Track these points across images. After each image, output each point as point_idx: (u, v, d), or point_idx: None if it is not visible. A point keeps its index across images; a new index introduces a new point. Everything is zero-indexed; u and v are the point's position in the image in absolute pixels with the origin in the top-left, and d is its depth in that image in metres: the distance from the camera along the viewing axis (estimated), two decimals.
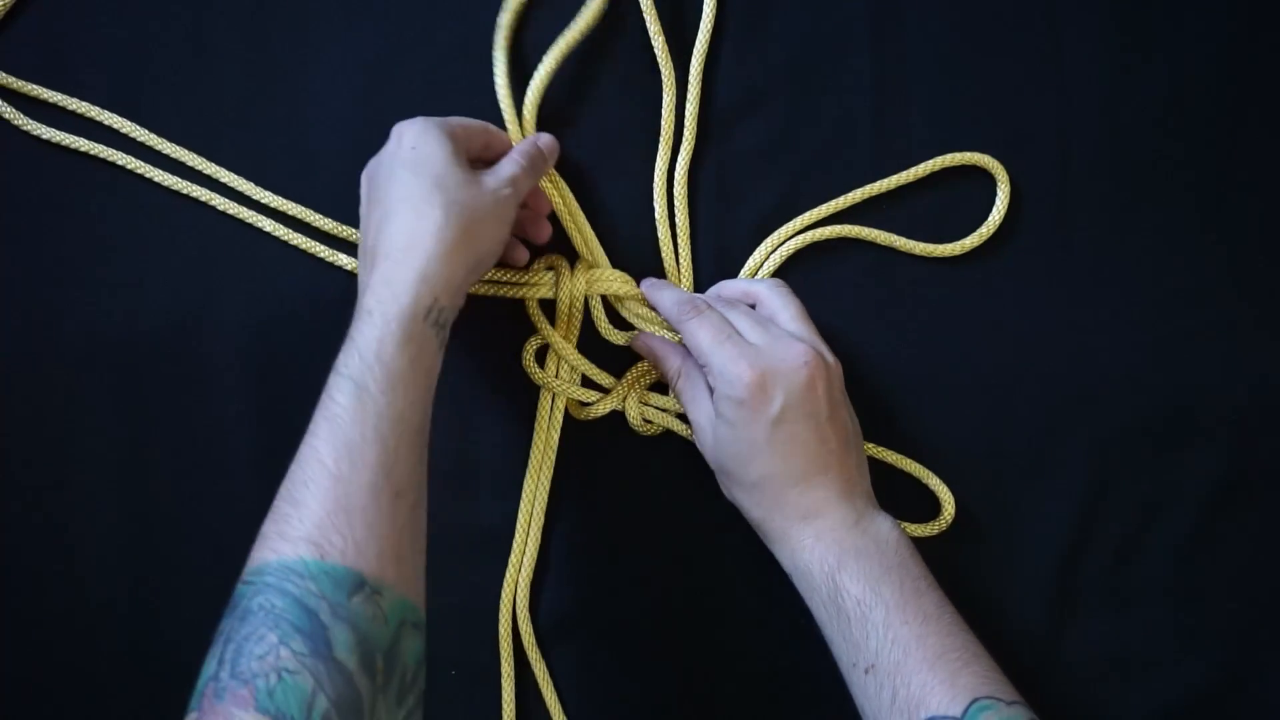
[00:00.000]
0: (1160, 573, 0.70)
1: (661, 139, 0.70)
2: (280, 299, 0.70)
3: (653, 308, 0.68)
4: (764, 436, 0.60)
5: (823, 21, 0.71)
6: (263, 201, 0.70)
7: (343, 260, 0.70)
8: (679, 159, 0.70)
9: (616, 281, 0.68)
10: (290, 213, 0.70)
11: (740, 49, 0.71)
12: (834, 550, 0.60)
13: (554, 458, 0.69)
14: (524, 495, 0.69)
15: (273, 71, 0.70)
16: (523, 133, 0.68)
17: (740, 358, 0.60)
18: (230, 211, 0.70)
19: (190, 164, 0.70)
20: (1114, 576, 0.70)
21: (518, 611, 0.69)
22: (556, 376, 0.69)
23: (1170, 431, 0.71)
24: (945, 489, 0.69)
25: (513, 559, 0.69)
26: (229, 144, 0.70)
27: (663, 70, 0.70)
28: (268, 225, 0.70)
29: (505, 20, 0.66)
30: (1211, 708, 0.70)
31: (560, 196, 0.69)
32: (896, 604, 0.58)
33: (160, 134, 0.70)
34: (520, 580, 0.69)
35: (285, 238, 0.70)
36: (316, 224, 0.70)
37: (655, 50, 0.70)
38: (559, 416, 0.69)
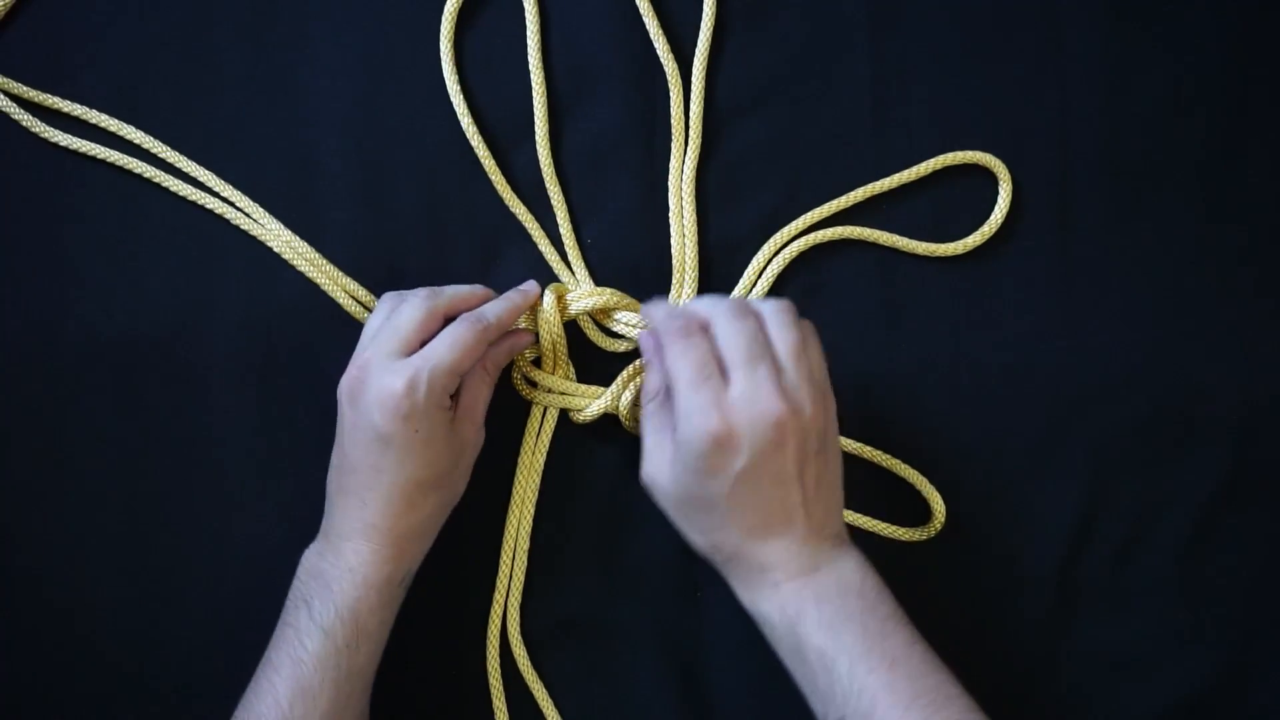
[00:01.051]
0: (1160, 573, 0.70)
1: (674, 142, 0.70)
2: (280, 299, 0.70)
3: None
4: (723, 492, 0.57)
5: (823, 22, 0.71)
6: (262, 222, 0.70)
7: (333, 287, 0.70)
8: (687, 161, 0.70)
9: (591, 298, 0.67)
10: (293, 244, 0.69)
11: (741, 49, 0.71)
12: (793, 600, 0.57)
13: (539, 477, 0.69)
14: (509, 518, 0.69)
15: (273, 71, 0.70)
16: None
17: (712, 408, 0.56)
18: (230, 218, 0.69)
19: (190, 172, 0.70)
20: (1114, 576, 0.70)
21: (508, 631, 0.69)
22: (549, 392, 0.68)
23: (1170, 431, 0.71)
24: (937, 496, 0.69)
25: (500, 579, 0.69)
26: (228, 144, 0.70)
27: (667, 71, 0.70)
28: (272, 242, 0.70)
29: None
30: (1211, 708, 0.70)
31: (530, 216, 0.70)
32: (860, 652, 0.56)
33: (160, 133, 0.70)
34: (510, 602, 0.69)
35: (286, 256, 0.70)
36: (315, 261, 0.69)
37: (658, 53, 0.70)
38: (548, 433, 0.69)
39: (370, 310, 0.68)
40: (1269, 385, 0.71)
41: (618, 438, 0.70)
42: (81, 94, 0.70)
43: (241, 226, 0.69)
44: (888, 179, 0.70)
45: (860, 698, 0.55)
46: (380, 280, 0.69)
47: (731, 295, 0.70)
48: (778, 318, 0.60)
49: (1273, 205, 0.71)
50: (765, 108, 0.71)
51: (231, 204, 0.70)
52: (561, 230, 0.70)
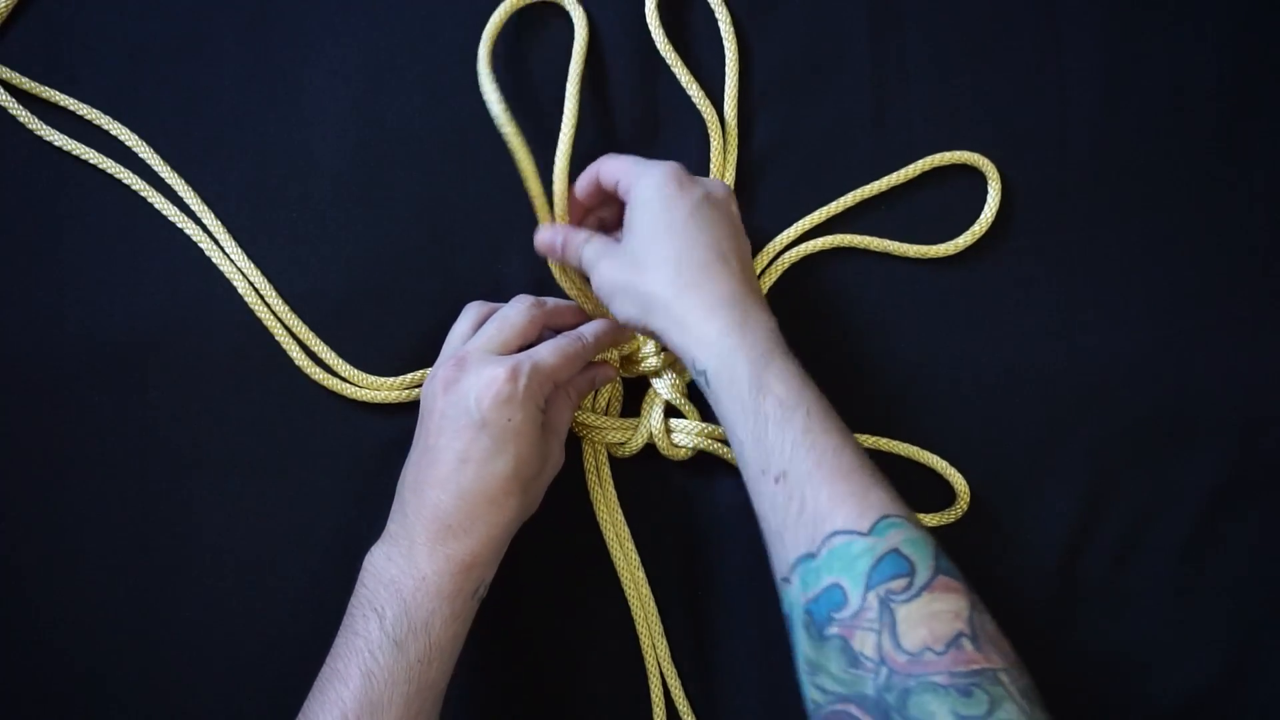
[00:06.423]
0: (1160, 572, 0.70)
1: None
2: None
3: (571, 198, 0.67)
4: (689, 210, 0.60)
5: (823, 22, 0.71)
6: (233, 258, 0.70)
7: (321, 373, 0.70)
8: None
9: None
10: (290, 325, 0.70)
11: (741, 51, 0.71)
12: (762, 344, 0.57)
13: (619, 511, 0.70)
14: (625, 588, 0.70)
15: (273, 71, 0.70)
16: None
17: (664, 163, 0.62)
18: (204, 248, 0.70)
19: (176, 188, 0.70)
20: (1114, 576, 0.70)
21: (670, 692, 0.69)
22: (596, 428, 0.69)
23: (1170, 431, 0.71)
24: (959, 477, 0.69)
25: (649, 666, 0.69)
26: (229, 144, 0.70)
27: (707, 120, 0.70)
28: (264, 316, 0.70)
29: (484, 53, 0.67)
30: (1211, 708, 0.70)
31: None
32: (819, 412, 0.55)
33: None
34: (664, 670, 0.69)
35: (250, 301, 0.70)
36: (310, 343, 0.70)
37: (693, 99, 0.70)
38: (606, 470, 0.70)
39: (320, 364, 0.69)
40: (1269, 385, 0.71)
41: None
42: (82, 94, 0.70)
43: (214, 260, 0.70)
44: (878, 182, 0.70)
45: (809, 454, 0.54)
46: (380, 280, 0.70)
47: None
48: None
49: (1273, 205, 0.71)
50: (765, 108, 0.71)
51: (207, 231, 0.70)
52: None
